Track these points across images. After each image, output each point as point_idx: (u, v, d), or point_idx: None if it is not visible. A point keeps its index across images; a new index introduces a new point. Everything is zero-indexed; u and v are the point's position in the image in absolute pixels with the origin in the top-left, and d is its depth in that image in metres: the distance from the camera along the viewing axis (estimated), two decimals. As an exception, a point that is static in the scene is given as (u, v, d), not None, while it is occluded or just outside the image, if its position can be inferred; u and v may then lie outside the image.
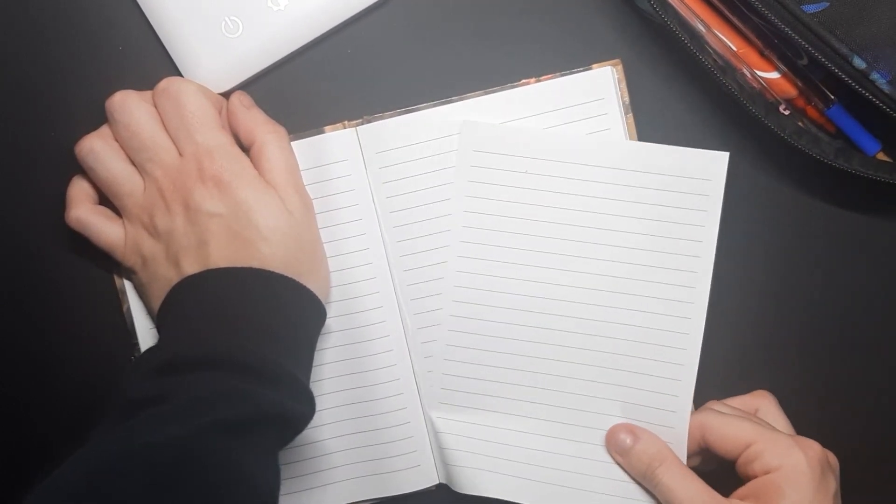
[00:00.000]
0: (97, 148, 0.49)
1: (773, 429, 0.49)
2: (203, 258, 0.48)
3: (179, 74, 0.52)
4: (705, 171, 0.51)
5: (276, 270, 0.47)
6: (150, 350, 0.47)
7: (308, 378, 0.49)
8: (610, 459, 0.52)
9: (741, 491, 0.48)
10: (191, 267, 0.48)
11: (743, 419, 0.49)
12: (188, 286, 0.47)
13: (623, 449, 0.51)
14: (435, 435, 0.53)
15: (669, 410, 0.51)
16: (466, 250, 0.52)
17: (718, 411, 0.51)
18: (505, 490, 0.52)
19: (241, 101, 0.51)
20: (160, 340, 0.48)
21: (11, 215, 0.54)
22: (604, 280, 0.52)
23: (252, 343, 0.45)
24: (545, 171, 0.51)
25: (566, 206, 0.52)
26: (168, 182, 0.49)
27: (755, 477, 0.48)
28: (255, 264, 0.47)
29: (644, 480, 0.50)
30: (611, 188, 0.51)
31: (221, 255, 0.47)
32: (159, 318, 0.49)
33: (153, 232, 0.49)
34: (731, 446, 0.49)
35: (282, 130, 0.51)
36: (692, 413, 0.51)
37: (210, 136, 0.49)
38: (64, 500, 0.38)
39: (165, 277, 0.49)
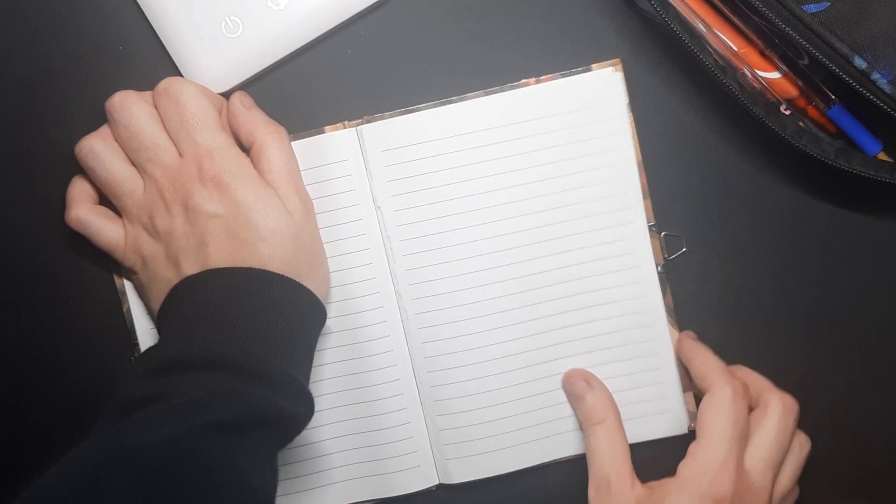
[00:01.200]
0: (97, 148, 0.49)
1: (725, 367, 0.51)
2: (202, 259, 0.48)
3: (179, 74, 0.52)
4: (603, 91, 0.52)
5: (276, 271, 0.47)
6: (148, 350, 0.47)
7: (307, 379, 0.49)
8: None
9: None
10: (190, 268, 0.48)
11: (711, 354, 0.51)
12: (187, 287, 0.47)
13: (575, 395, 0.53)
14: (437, 433, 0.53)
15: (652, 354, 0.53)
16: (409, 247, 0.53)
17: (693, 339, 0.53)
18: (505, 464, 0.53)
19: (241, 101, 0.51)
20: (159, 341, 0.48)
21: (11, 215, 0.54)
22: (549, 229, 0.52)
23: (249, 344, 0.45)
24: (454, 147, 0.52)
25: (487, 173, 0.52)
26: (168, 183, 0.49)
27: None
28: (255, 265, 0.47)
29: (582, 430, 0.52)
30: (520, 142, 0.52)
31: (221, 256, 0.47)
32: (159, 319, 0.49)
33: (153, 232, 0.49)
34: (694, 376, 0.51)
35: (282, 131, 0.51)
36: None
37: (210, 136, 0.49)
38: (55, 499, 0.38)
39: (165, 278, 0.49)
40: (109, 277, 0.54)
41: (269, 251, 0.48)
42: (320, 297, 0.49)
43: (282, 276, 0.47)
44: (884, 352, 0.54)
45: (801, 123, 0.51)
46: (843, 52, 0.46)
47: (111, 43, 0.53)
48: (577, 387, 0.52)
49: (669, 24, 0.49)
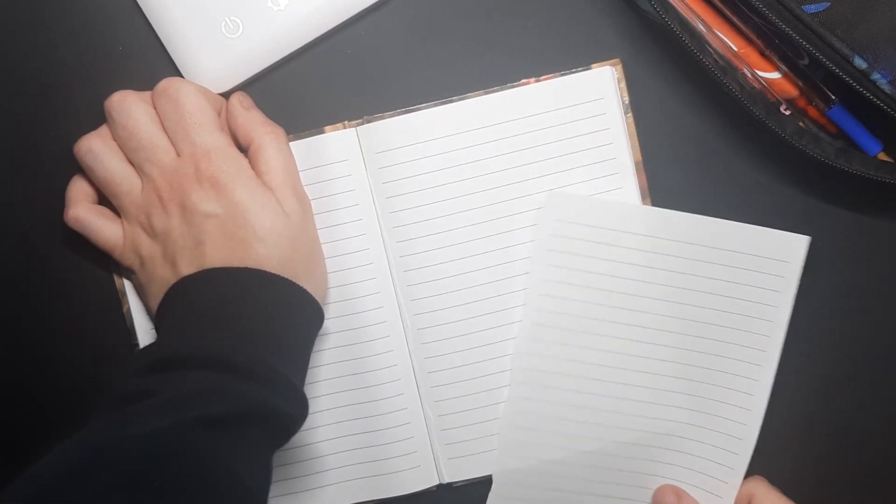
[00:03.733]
0: (95, 147, 0.50)
1: None
2: (199, 259, 0.48)
3: (179, 74, 0.52)
4: (783, 253, 0.51)
5: (273, 271, 0.47)
6: (144, 348, 0.47)
7: (302, 380, 0.49)
8: None
9: None
10: (187, 267, 0.48)
11: (788, 501, 0.51)
12: (184, 287, 0.47)
13: None
14: (437, 432, 0.53)
15: (721, 481, 0.52)
16: (541, 318, 0.52)
17: (770, 486, 0.52)
18: None
19: (240, 101, 0.51)
20: (155, 340, 0.48)
21: (12, 215, 0.54)
22: (673, 352, 0.52)
23: (244, 343, 0.45)
24: (624, 243, 0.52)
25: (643, 279, 0.52)
26: (165, 182, 0.49)
27: None
28: (251, 264, 0.47)
29: None
30: (689, 263, 0.52)
31: (217, 256, 0.47)
32: (157, 319, 0.49)
33: (150, 232, 0.49)
34: None
35: (280, 131, 0.51)
36: (745, 480, 0.52)
37: (208, 137, 0.49)
38: (43, 490, 0.38)
39: (163, 278, 0.49)
40: (109, 277, 0.54)
41: (266, 251, 0.48)
42: (318, 299, 0.49)
43: (279, 277, 0.47)
44: (884, 351, 0.54)
45: (801, 123, 0.51)
46: (843, 52, 0.46)
47: (111, 43, 0.53)
48: (668, 499, 0.53)
49: (669, 25, 0.49)
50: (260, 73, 0.53)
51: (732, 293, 0.52)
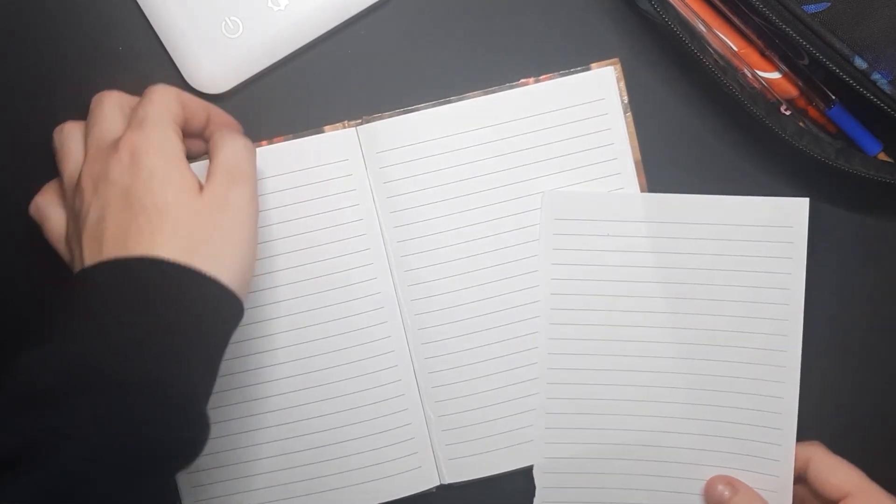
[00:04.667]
0: (66, 128, 0.48)
1: (875, 485, 0.49)
2: (98, 242, 0.43)
3: (179, 74, 0.52)
4: (787, 218, 0.51)
5: (172, 255, 0.43)
6: (27, 361, 0.41)
7: (209, 384, 0.44)
8: None
9: None
10: (88, 253, 0.44)
11: (851, 466, 0.50)
12: (78, 283, 0.44)
13: (721, 501, 0.51)
14: (438, 433, 0.53)
15: (771, 459, 0.52)
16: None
17: (827, 449, 0.51)
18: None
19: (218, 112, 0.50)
20: (43, 349, 0.42)
21: (11, 215, 0.54)
22: (696, 334, 0.52)
23: (132, 355, 0.41)
24: (628, 232, 0.52)
25: (652, 264, 0.52)
26: (95, 160, 0.45)
27: None
28: (145, 244, 0.43)
29: None
30: (695, 243, 0.52)
31: (113, 234, 0.43)
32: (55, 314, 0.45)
33: (72, 212, 0.46)
34: (831, 489, 0.49)
35: (244, 136, 0.49)
36: (801, 443, 0.52)
37: (158, 122, 0.46)
38: None
39: (74, 266, 0.45)
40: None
41: (170, 227, 0.43)
42: (235, 289, 0.44)
43: (178, 266, 0.43)
44: (883, 351, 0.54)
45: (801, 124, 0.51)
46: (843, 52, 0.46)
47: (111, 43, 0.53)
48: (720, 493, 0.51)
49: (669, 24, 0.49)
50: (260, 73, 0.53)
51: (744, 267, 0.52)
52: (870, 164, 0.49)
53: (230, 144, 0.47)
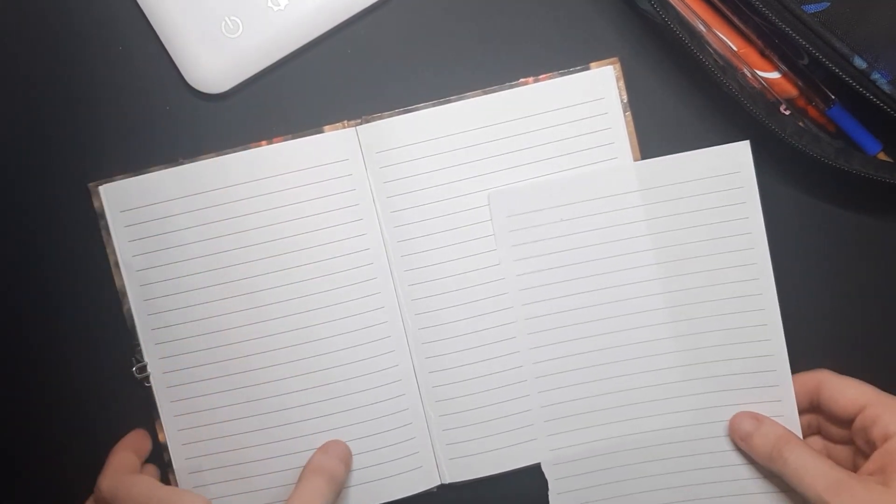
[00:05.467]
0: None
1: (888, 395, 0.49)
2: None
3: (179, 74, 0.52)
4: (732, 164, 0.51)
5: None
6: None
7: None
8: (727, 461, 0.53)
9: (867, 466, 0.48)
10: None
11: (860, 382, 0.50)
12: None
13: (747, 433, 0.51)
14: (438, 433, 0.53)
15: (774, 401, 0.52)
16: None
17: (834, 373, 0.51)
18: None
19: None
20: None
21: (11, 215, 0.54)
22: (672, 296, 0.52)
23: None
24: (580, 213, 0.52)
25: (612, 238, 0.52)
26: None
27: (873, 444, 0.48)
28: None
29: (770, 461, 0.50)
30: (651, 208, 0.52)
31: None
32: None
33: None
34: (846, 405, 0.49)
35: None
36: (806, 373, 0.52)
37: None
38: None
39: None
40: (109, 277, 0.53)
41: None
42: None
43: None
44: (882, 350, 0.54)
45: (801, 123, 0.51)
46: (843, 52, 0.46)
47: (111, 43, 0.53)
48: (746, 425, 0.52)
49: (669, 24, 0.49)
50: (260, 73, 0.53)
51: (702, 221, 0.52)
52: (869, 164, 0.49)
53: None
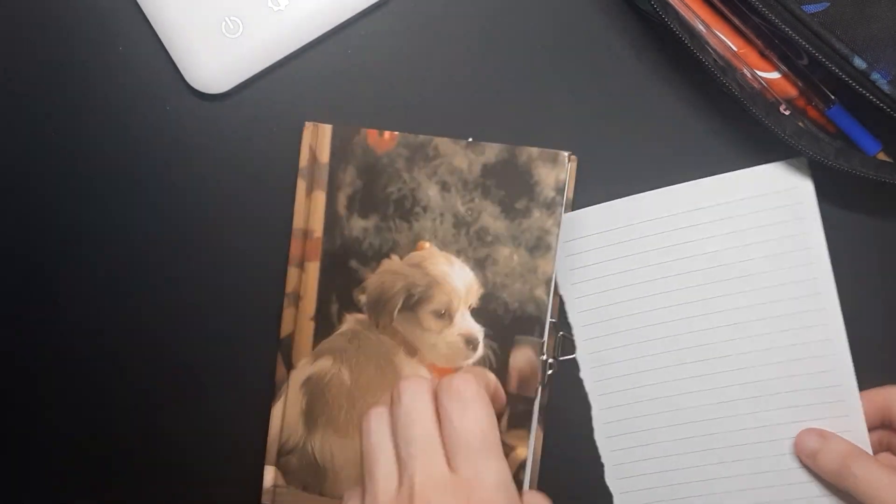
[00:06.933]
0: (373, 426, 0.46)
1: None
2: None
3: (179, 74, 0.52)
4: (790, 180, 0.51)
5: None
6: None
7: None
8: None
9: None
10: None
11: None
12: None
13: (813, 451, 0.51)
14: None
15: (841, 416, 0.51)
16: (591, 332, 0.53)
17: None
18: None
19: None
20: None
21: (12, 215, 0.54)
22: (734, 314, 0.52)
23: None
24: (642, 233, 0.52)
25: (674, 258, 0.52)
26: (424, 500, 0.43)
27: None
28: None
29: (837, 478, 0.50)
30: (707, 227, 0.52)
31: None
32: None
33: None
34: None
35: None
36: (877, 389, 0.51)
37: (493, 465, 0.44)
38: None
39: None
40: (114, 275, 0.53)
41: None
42: None
43: None
44: (881, 349, 0.54)
45: (800, 124, 0.51)
46: (843, 53, 0.46)
47: (111, 43, 0.53)
48: (812, 443, 0.51)
49: (669, 24, 0.49)
50: (260, 73, 0.53)
51: (761, 238, 0.52)
52: (869, 164, 0.49)
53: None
